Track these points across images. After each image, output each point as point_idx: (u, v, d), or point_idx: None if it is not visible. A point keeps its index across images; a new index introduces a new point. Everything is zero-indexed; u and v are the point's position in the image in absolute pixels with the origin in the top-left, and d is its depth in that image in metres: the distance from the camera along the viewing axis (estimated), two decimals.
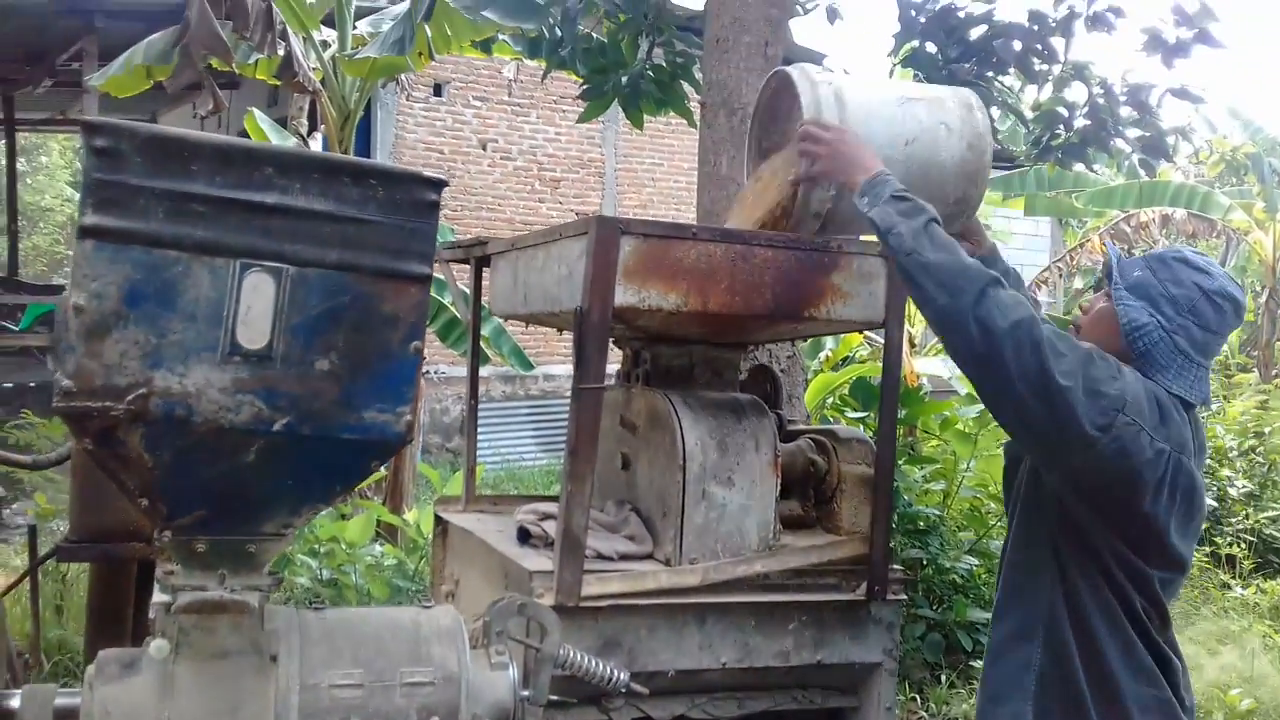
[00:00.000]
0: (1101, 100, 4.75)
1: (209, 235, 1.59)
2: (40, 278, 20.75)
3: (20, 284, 13.77)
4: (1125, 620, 2.06)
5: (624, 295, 2.29)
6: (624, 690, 2.12)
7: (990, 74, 4.69)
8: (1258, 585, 6.87)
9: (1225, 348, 13.93)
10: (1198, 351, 2.07)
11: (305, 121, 8.07)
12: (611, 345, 2.41)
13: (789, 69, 2.58)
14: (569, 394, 2.38)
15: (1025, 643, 2.11)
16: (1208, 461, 8.07)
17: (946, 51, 4.58)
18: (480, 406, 3.40)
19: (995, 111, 4.91)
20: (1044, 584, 2.10)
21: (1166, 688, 2.09)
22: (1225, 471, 8.11)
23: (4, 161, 14.24)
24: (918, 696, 5.01)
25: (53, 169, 25.08)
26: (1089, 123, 4.76)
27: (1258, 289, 14.58)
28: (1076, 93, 4.91)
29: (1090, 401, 1.94)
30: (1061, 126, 4.87)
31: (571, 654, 2.04)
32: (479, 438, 3.40)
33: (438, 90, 12.18)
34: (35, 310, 11.84)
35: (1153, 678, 2.08)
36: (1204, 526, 7.43)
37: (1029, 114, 5.03)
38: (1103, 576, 2.05)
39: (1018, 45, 4.61)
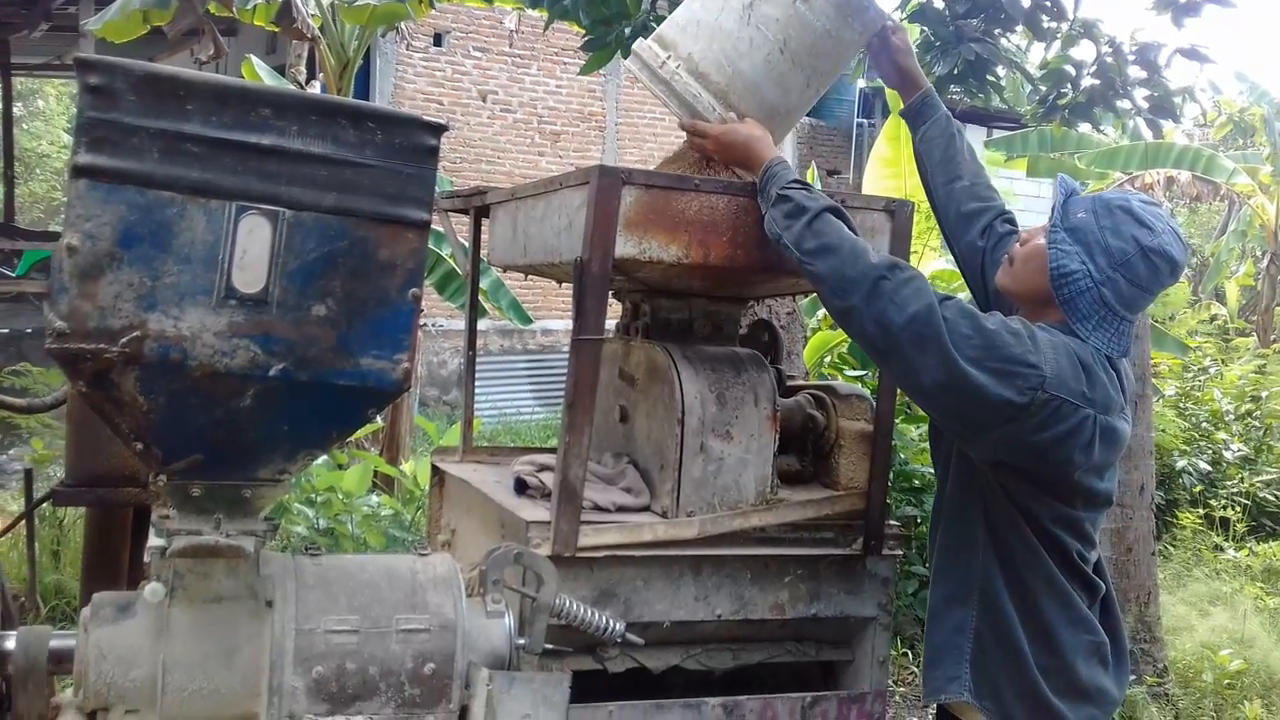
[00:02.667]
0: (1110, 59, 4.68)
1: (204, 176, 1.56)
2: (37, 224, 20.66)
3: (16, 230, 13.70)
4: (1060, 573, 2.09)
5: (624, 247, 2.27)
6: (619, 640, 2.13)
7: (998, 31, 4.62)
8: (1250, 548, 6.92)
9: (1224, 313, 13.93)
10: (1123, 306, 2.04)
11: (304, 69, 8.00)
12: (611, 298, 2.39)
13: (636, 70, 2.47)
14: (567, 348, 2.37)
15: (960, 606, 2.14)
16: (1203, 425, 8.12)
17: (954, 7, 4.50)
18: (478, 360, 3.38)
19: (1001, 70, 4.84)
20: (977, 546, 2.12)
21: (1101, 631, 2.13)
22: (1221, 435, 8.14)
23: (0, 107, 14.11)
24: (909, 652, 5.06)
25: (49, 115, 24.88)
26: (1097, 82, 4.69)
27: (1258, 254, 14.54)
28: (1084, 51, 4.84)
29: (1004, 382, 1.92)
30: (1069, 85, 4.80)
31: (567, 603, 2.04)
32: (476, 392, 3.39)
33: (438, 40, 12.07)
34: (31, 256, 11.81)
35: (1089, 624, 2.12)
36: (1198, 489, 7.46)
37: (1035, 73, 4.96)
38: (1036, 534, 2.07)
39: (1026, 1, 4.54)
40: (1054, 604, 2.08)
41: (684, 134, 2.51)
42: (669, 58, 2.39)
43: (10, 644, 1.78)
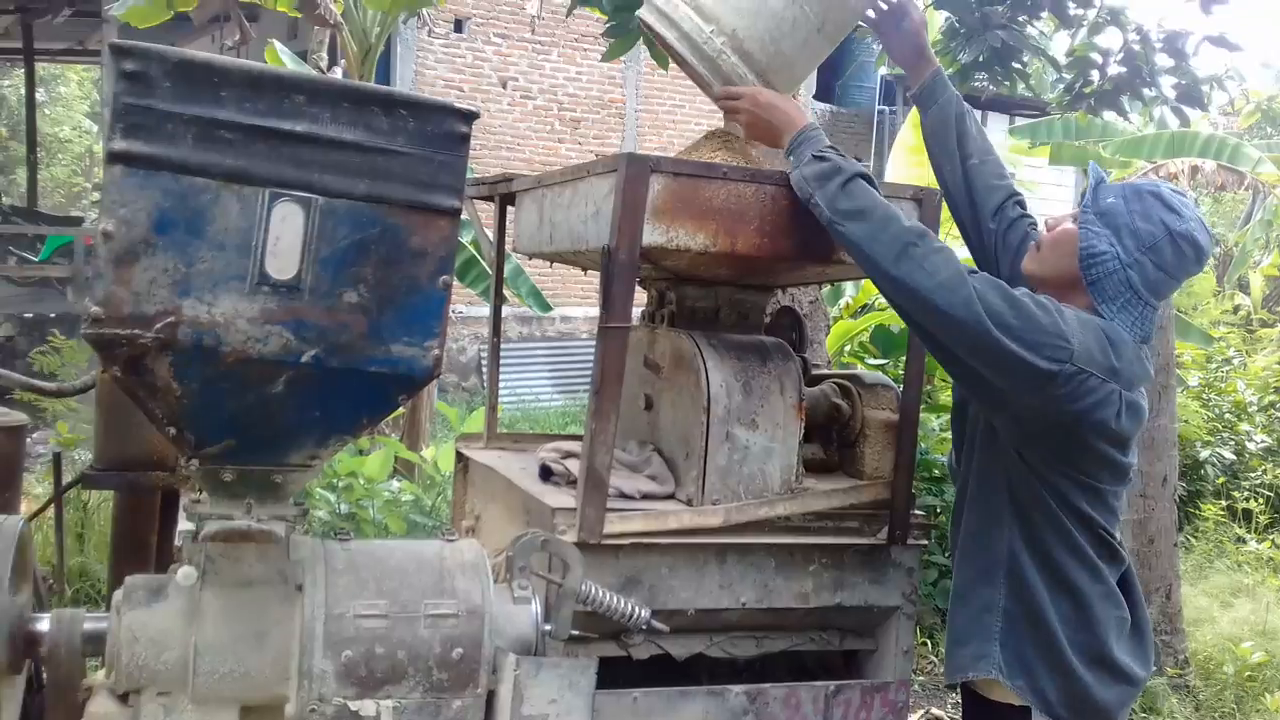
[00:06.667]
0: (1137, 47, 4.64)
1: (238, 163, 1.57)
2: (59, 209, 20.79)
3: (39, 215, 13.80)
4: (1088, 547, 2.10)
5: (652, 234, 2.27)
6: (644, 627, 2.14)
7: (1023, 18, 4.58)
8: (1273, 540, 6.88)
9: (1248, 303, 13.81)
10: (1148, 290, 2.06)
11: (325, 55, 8.00)
12: (636, 286, 2.39)
13: (660, 26, 2.42)
14: (586, 336, 2.38)
15: (986, 587, 2.15)
16: (1226, 416, 8.07)
17: None
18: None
19: (1026, 56, 4.81)
20: (1003, 526, 2.14)
21: (1126, 607, 2.15)
22: (1244, 426, 8.09)
23: (23, 91, 14.19)
24: (929, 641, 5.06)
25: (70, 100, 25.01)
26: (1124, 70, 4.66)
27: None
28: (1110, 39, 4.80)
29: (1033, 351, 1.94)
30: (1095, 73, 4.77)
31: (593, 590, 2.05)
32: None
33: (459, 26, 12.07)
34: (55, 241, 11.89)
35: (1117, 599, 2.14)
36: (1221, 480, 7.42)
37: (1061, 60, 4.93)
38: (1061, 508, 2.09)
39: None
40: (1085, 577, 2.09)
41: (703, 123, 2.50)
42: (713, 32, 2.37)
43: (44, 625, 1.80)
